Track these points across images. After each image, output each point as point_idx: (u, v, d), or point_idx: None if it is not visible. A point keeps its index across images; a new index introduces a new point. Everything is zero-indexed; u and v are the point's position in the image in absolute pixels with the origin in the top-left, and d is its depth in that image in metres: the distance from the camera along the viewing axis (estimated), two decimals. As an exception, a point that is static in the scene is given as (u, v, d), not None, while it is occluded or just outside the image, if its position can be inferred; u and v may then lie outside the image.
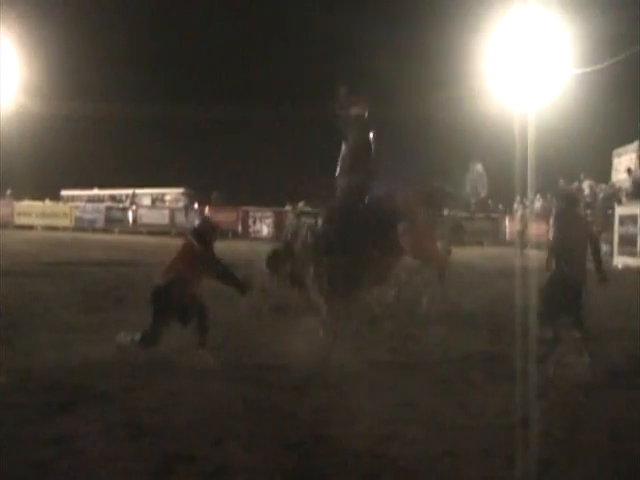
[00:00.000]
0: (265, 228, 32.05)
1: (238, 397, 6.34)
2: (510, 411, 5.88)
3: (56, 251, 20.58)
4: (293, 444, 5.22)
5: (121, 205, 36.21)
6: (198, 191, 36.75)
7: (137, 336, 7.24)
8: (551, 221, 8.05)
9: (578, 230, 7.53)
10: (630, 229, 20.57)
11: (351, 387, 6.64)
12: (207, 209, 33.15)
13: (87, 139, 40.61)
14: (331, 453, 5.10)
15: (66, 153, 40.14)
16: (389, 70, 36.29)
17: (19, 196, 35.37)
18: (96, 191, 42.29)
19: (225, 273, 7.53)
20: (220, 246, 7.86)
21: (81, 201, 38.53)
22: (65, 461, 4.79)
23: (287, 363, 7.44)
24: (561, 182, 10.23)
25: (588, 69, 28.17)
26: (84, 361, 7.32)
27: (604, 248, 22.42)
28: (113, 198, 39.85)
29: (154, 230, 32.62)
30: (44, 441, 5.10)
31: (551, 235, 7.70)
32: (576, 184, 28.65)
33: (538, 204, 30.71)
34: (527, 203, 29.12)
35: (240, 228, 31.24)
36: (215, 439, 5.26)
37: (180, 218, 33.84)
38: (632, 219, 20.65)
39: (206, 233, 7.74)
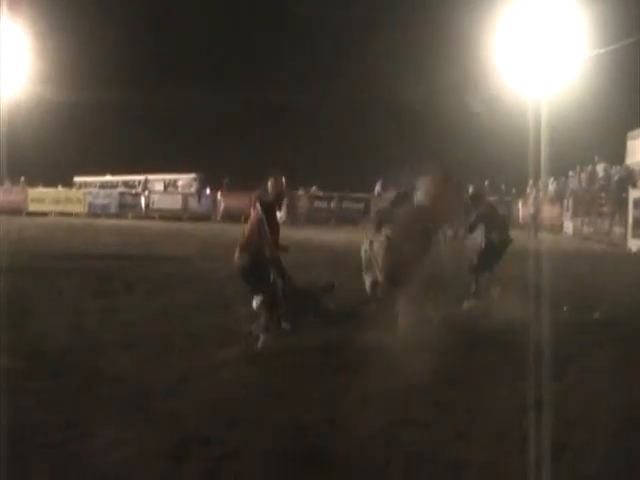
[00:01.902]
0: (277, 212, 32.01)
1: (251, 380, 6.34)
2: (523, 394, 5.81)
3: (69, 237, 20.62)
4: (305, 427, 5.22)
5: (134, 191, 36.24)
6: (210, 176, 36.75)
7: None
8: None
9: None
10: (644, 212, 20.44)
11: (363, 370, 6.63)
12: (219, 194, 33.19)
13: (99, 125, 40.64)
14: (343, 437, 5.09)
15: (79, 139, 40.22)
16: (401, 54, 36.10)
17: (32, 182, 35.42)
18: (109, 177, 42.35)
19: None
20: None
21: (94, 187, 38.60)
22: (78, 444, 4.79)
23: (299, 347, 7.43)
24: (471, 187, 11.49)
25: (602, 50, 27.88)
26: (96, 345, 7.37)
27: (617, 230, 22.33)
28: (126, 184, 39.90)
29: (167, 215, 32.69)
30: (57, 424, 5.10)
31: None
32: (590, 167, 28.48)
33: (552, 187, 30.53)
34: (540, 186, 28.96)
35: (252, 212, 31.28)
36: (228, 422, 5.26)
37: (192, 203, 33.89)
38: (646, 202, 20.52)
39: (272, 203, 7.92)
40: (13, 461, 4.46)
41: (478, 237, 10.54)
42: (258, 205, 7.77)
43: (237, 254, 7.63)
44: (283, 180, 7.97)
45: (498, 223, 10.77)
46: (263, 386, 6.18)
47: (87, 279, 11.79)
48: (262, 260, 7.57)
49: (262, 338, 7.44)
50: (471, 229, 10.53)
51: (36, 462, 4.56)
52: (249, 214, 8.17)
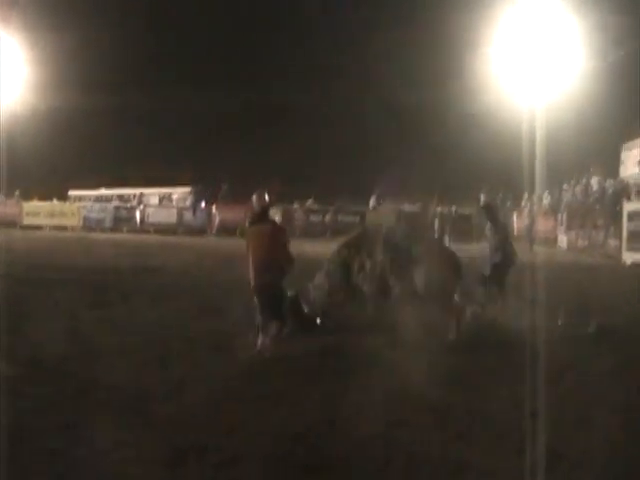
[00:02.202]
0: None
1: (248, 384, 6.47)
2: (523, 397, 5.91)
3: (64, 250, 20.67)
4: (304, 430, 5.31)
5: (129, 205, 36.28)
6: (206, 188, 36.71)
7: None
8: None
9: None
10: (639, 225, 20.50)
11: (362, 372, 6.75)
12: (214, 207, 33.26)
13: (94, 130, 40.59)
14: (342, 439, 5.16)
15: (74, 145, 40.11)
16: (401, 62, 36.16)
17: (26, 196, 35.43)
18: (104, 191, 42.27)
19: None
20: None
21: (89, 201, 38.54)
22: (76, 450, 4.85)
23: (297, 350, 7.68)
24: (482, 196, 12.00)
25: (597, 63, 28.08)
26: (94, 352, 7.49)
27: (612, 243, 22.44)
28: (121, 198, 39.84)
29: (162, 229, 32.72)
30: (55, 429, 5.17)
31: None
32: (584, 180, 28.63)
33: (546, 201, 30.63)
34: (535, 200, 29.08)
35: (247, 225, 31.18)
36: (226, 428, 5.33)
37: (188, 217, 33.98)
38: (640, 215, 20.62)
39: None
40: (12, 464, 4.51)
41: (486, 253, 10.70)
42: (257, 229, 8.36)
43: (255, 275, 7.99)
44: (266, 195, 8.62)
45: (506, 240, 10.86)
46: (262, 391, 6.27)
47: (83, 290, 11.84)
48: (279, 280, 8.13)
49: (260, 342, 7.69)
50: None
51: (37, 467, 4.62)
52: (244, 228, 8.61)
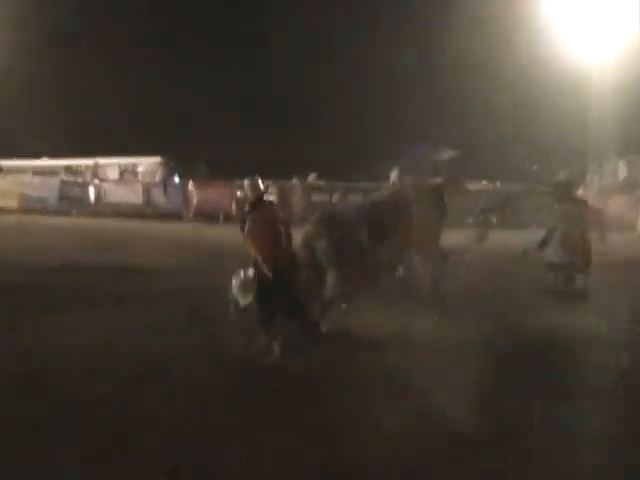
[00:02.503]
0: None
1: (239, 405, 7.00)
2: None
3: (9, 242, 20.55)
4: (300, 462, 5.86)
5: (80, 179, 36.06)
6: (179, 161, 36.59)
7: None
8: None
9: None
10: None
11: (363, 395, 7.34)
12: (191, 184, 32.93)
13: (33, 93, 40.69)
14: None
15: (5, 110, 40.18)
16: (455, 17, 37.09)
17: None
18: (46, 161, 42.00)
19: None
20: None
21: (27, 174, 38.29)
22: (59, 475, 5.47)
23: (294, 366, 8.32)
24: (561, 173, 12.23)
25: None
26: (83, 365, 8.19)
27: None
28: (69, 170, 39.56)
29: (123, 211, 32.64)
30: (39, 453, 5.81)
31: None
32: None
33: (622, 173, 30.11)
34: (608, 171, 28.75)
35: (235, 208, 30.43)
36: (217, 451, 5.86)
37: (157, 196, 33.73)
38: None
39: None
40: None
41: (551, 253, 10.47)
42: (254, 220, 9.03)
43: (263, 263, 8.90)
44: (260, 181, 9.29)
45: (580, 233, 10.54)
46: (253, 413, 6.81)
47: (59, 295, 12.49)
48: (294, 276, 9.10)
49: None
50: (544, 243, 10.53)
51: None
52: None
